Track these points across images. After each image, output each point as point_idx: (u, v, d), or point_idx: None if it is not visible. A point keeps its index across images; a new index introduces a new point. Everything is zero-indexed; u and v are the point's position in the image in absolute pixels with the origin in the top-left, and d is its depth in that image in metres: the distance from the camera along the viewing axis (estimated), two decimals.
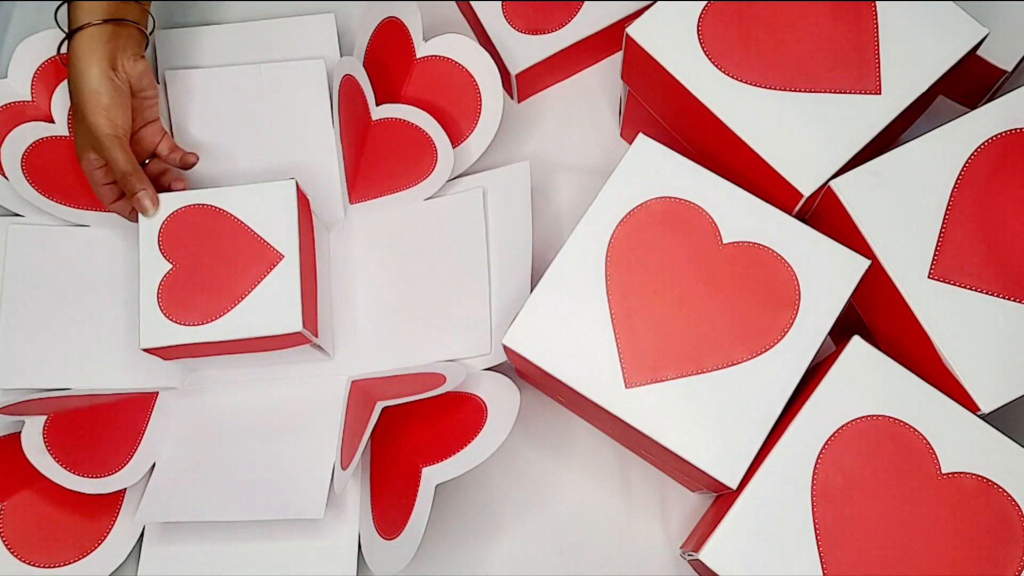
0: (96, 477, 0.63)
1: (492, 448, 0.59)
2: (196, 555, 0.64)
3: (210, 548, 0.64)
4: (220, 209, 0.56)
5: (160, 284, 0.53)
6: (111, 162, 0.62)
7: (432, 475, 0.60)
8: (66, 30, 0.64)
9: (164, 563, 0.64)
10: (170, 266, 0.55)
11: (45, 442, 0.62)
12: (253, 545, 0.64)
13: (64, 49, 0.66)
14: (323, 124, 0.72)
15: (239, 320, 0.53)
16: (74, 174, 0.69)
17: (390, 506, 0.61)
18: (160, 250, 0.55)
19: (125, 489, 0.65)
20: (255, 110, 0.73)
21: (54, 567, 0.63)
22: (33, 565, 0.63)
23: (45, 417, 0.63)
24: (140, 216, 0.58)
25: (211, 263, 0.54)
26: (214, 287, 0.53)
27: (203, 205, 0.55)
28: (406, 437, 0.63)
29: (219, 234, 0.55)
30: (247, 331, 0.54)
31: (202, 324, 0.52)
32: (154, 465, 0.66)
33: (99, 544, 0.64)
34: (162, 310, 0.54)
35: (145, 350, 0.53)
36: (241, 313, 0.54)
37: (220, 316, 0.53)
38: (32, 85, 0.73)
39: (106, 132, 0.61)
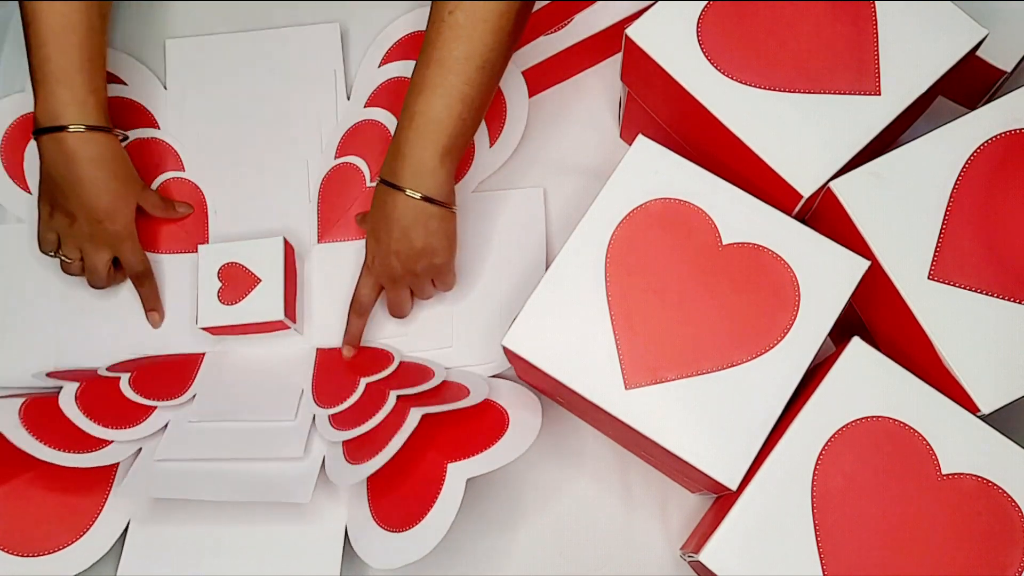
0: (79, 452, 0.63)
1: (524, 446, 0.61)
2: (181, 537, 0.64)
3: (195, 530, 0.64)
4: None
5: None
6: (129, 263, 0.69)
7: (460, 470, 0.60)
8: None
9: (149, 546, 0.64)
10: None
11: (22, 420, 0.63)
12: (239, 528, 0.64)
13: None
14: (328, 108, 0.75)
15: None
16: None
17: (402, 499, 0.61)
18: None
19: (112, 480, 0.65)
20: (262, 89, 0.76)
21: (39, 555, 0.63)
22: (18, 555, 0.63)
23: (23, 399, 0.64)
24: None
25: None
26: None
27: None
28: (421, 432, 0.64)
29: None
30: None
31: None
32: (140, 450, 0.66)
33: (84, 532, 0.64)
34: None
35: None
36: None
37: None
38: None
39: (124, 233, 0.68)
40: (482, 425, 0.63)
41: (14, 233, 0.73)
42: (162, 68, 0.78)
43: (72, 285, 0.72)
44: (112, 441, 0.64)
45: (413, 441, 0.64)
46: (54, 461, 0.62)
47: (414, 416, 0.60)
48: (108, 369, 0.67)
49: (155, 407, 0.66)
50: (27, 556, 0.63)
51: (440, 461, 0.61)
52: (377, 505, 0.63)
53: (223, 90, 0.76)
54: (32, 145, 0.72)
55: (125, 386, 0.65)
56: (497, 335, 0.67)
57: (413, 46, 0.75)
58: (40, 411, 0.64)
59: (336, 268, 0.72)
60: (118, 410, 0.65)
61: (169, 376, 0.68)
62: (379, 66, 0.75)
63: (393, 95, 0.74)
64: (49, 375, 0.67)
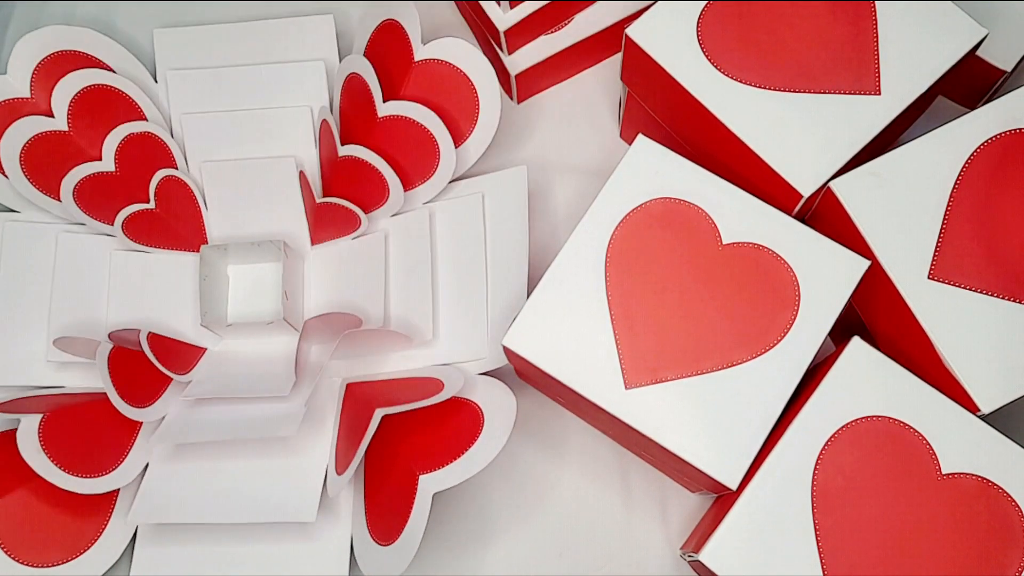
0: (90, 477, 0.63)
1: (490, 456, 0.59)
2: (189, 556, 0.64)
3: (202, 549, 0.64)
4: None
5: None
6: None
7: (429, 483, 0.60)
8: None
9: (157, 564, 0.64)
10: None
11: (41, 441, 0.63)
12: (245, 547, 0.64)
13: None
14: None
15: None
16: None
17: (385, 512, 0.61)
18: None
19: (118, 489, 0.65)
20: (252, 112, 0.74)
21: (47, 567, 0.63)
22: (26, 564, 0.63)
23: (41, 416, 0.63)
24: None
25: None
26: None
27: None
28: (402, 442, 0.63)
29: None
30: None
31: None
32: (147, 465, 0.66)
33: (92, 544, 0.64)
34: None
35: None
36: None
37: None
38: (31, 81, 0.73)
39: None
40: (458, 427, 0.62)
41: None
42: (151, 60, 0.77)
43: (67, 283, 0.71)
44: (121, 462, 0.64)
45: (386, 447, 0.64)
46: (71, 488, 0.62)
47: (377, 415, 0.60)
48: (111, 335, 0.65)
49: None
50: (35, 567, 0.63)
51: (412, 470, 0.61)
52: (370, 517, 0.62)
53: (214, 82, 0.74)
54: (8, 133, 0.70)
55: (144, 343, 0.64)
56: (483, 325, 0.66)
57: (389, 33, 0.74)
58: (58, 427, 0.64)
59: (335, 267, 0.72)
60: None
61: (174, 353, 0.68)
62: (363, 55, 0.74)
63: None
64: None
